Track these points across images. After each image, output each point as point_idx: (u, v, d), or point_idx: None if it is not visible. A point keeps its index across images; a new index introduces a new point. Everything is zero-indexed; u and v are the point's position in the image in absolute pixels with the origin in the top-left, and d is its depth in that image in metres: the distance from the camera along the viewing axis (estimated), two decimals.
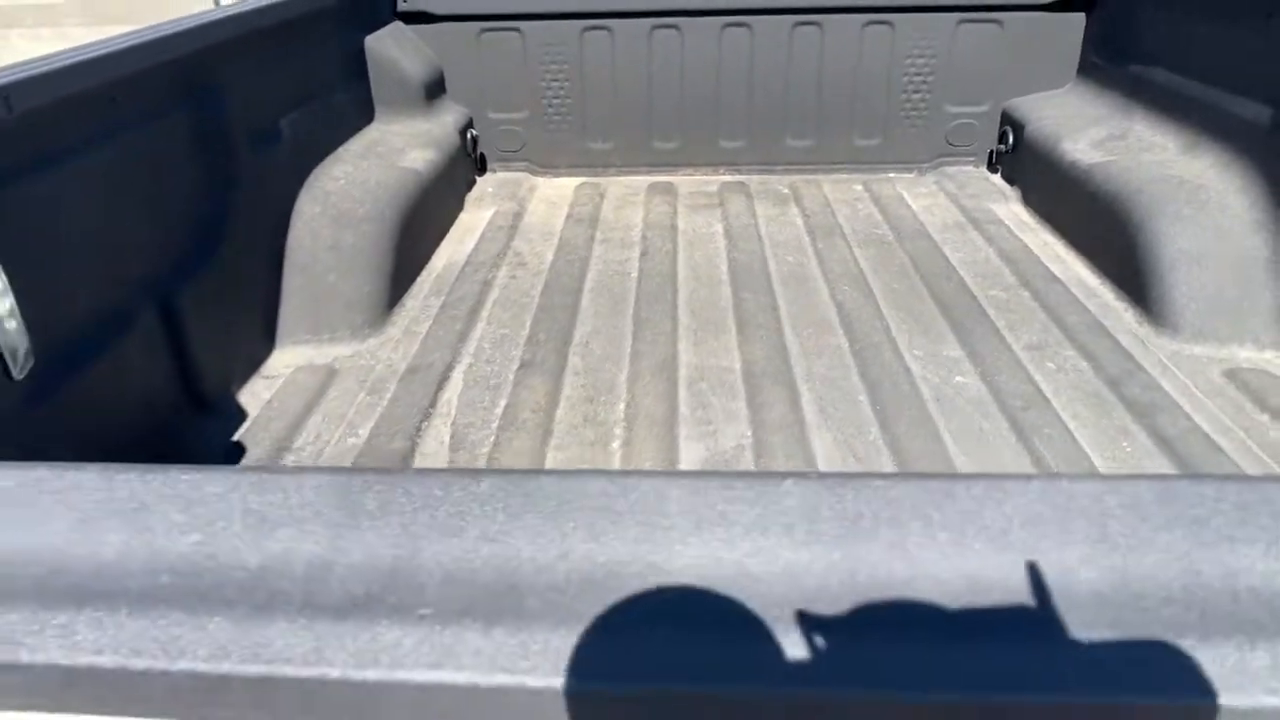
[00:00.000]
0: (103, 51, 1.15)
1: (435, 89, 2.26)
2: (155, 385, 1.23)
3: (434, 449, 1.29)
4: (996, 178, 2.29)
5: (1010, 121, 2.23)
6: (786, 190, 2.28)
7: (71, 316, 1.08)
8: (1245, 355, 1.43)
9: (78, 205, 1.10)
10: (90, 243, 1.13)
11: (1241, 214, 1.51)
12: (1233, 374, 1.38)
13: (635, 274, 1.83)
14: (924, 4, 2.17)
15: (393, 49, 2.15)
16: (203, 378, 1.32)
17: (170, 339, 1.25)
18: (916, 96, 2.29)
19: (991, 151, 2.33)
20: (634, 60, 2.29)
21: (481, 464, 1.24)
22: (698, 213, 2.16)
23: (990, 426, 1.28)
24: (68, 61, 1.09)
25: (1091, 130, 1.94)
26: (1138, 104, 1.91)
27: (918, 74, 2.26)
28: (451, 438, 1.31)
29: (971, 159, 2.35)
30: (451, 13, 2.27)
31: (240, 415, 1.35)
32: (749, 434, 1.29)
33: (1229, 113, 1.62)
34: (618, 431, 1.32)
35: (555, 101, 2.35)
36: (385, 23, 2.20)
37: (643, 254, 1.92)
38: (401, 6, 2.25)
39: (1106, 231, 1.70)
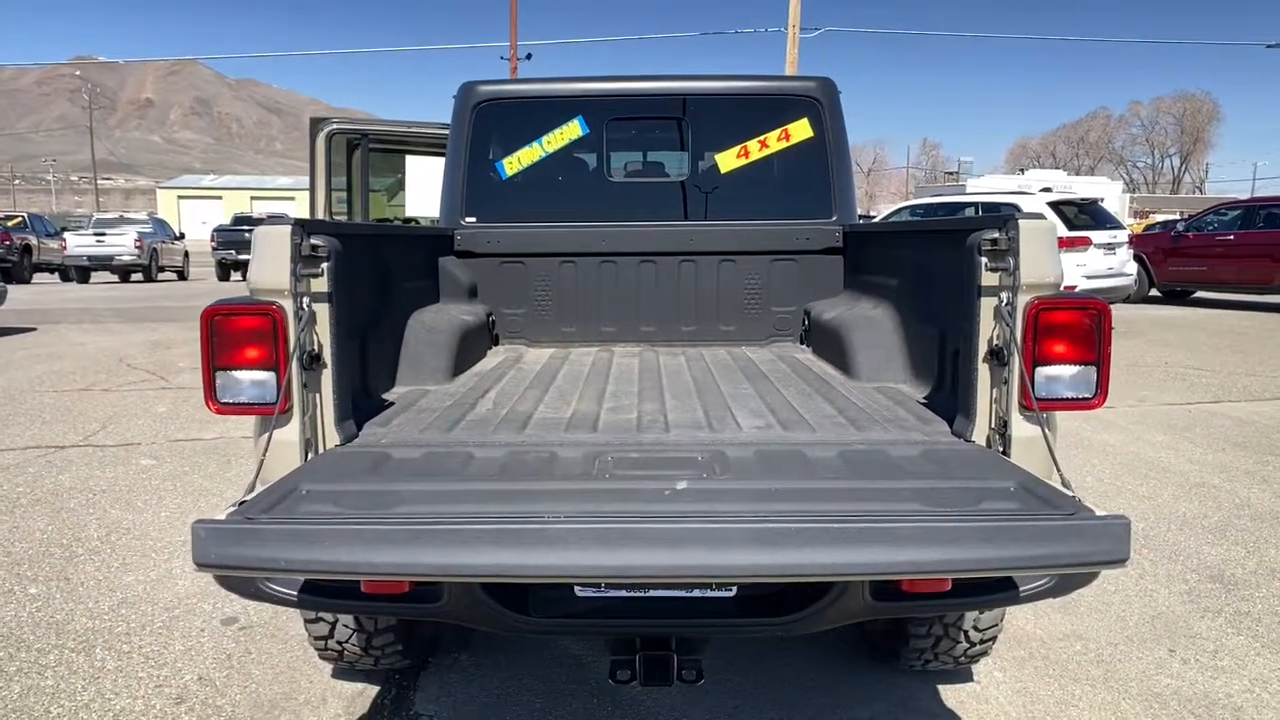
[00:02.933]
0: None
1: (473, 292, 3.83)
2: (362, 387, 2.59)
3: (484, 412, 2.63)
4: (802, 346, 3.85)
5: (807, 313, 3.83)
6: (679, 352, 3.80)
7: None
8: (885, 385, 2.87)
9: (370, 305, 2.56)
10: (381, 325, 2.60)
11: (890, 328, 3.03)
12: (880, 389, 2.81)
13: (587, 367, 3.27)
14: (752, 250, 3.87)
15: (452, 267, 3.75)
16: (370, 389, 2.67)
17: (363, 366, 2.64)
18: (754, 301, 3.91)
19: (800, 333, 3.92)
20: (589, 280, 3.91)
21: (508, 415, 2.56)
22: (625, 356, 3.65)
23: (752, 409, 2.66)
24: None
25: (839, 307, 3.53)
26: (861, 292, 3.53)
27: (754, 289, 3.90)
28: (493, 405, 2.66)
29: (790, 337, 3.93)
30: (483, 252, 3.91)
31: (385, 403, 2.69)
32: (635, 415, 2.65)
33: (887, 288, 3.21)
34: (576, 407, 2.68)
35: (541, 303, 3.93)
36: (449, 253, 3.84)
37: (592, 363, 3.38)
38: (457, 247, 3.90)
39: (835, 343, 3.21)
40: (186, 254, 27.14)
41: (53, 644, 3.33)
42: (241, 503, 1.64)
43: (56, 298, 19.32)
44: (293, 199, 70.83)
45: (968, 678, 3.08)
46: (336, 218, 4.95)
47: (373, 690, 3.05)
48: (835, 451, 2.01)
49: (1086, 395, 1.99)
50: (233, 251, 24.79)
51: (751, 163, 3.90)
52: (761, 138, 3.88)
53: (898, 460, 1.94)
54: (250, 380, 2.00)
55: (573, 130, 3.90)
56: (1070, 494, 1.59)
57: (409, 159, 4.92)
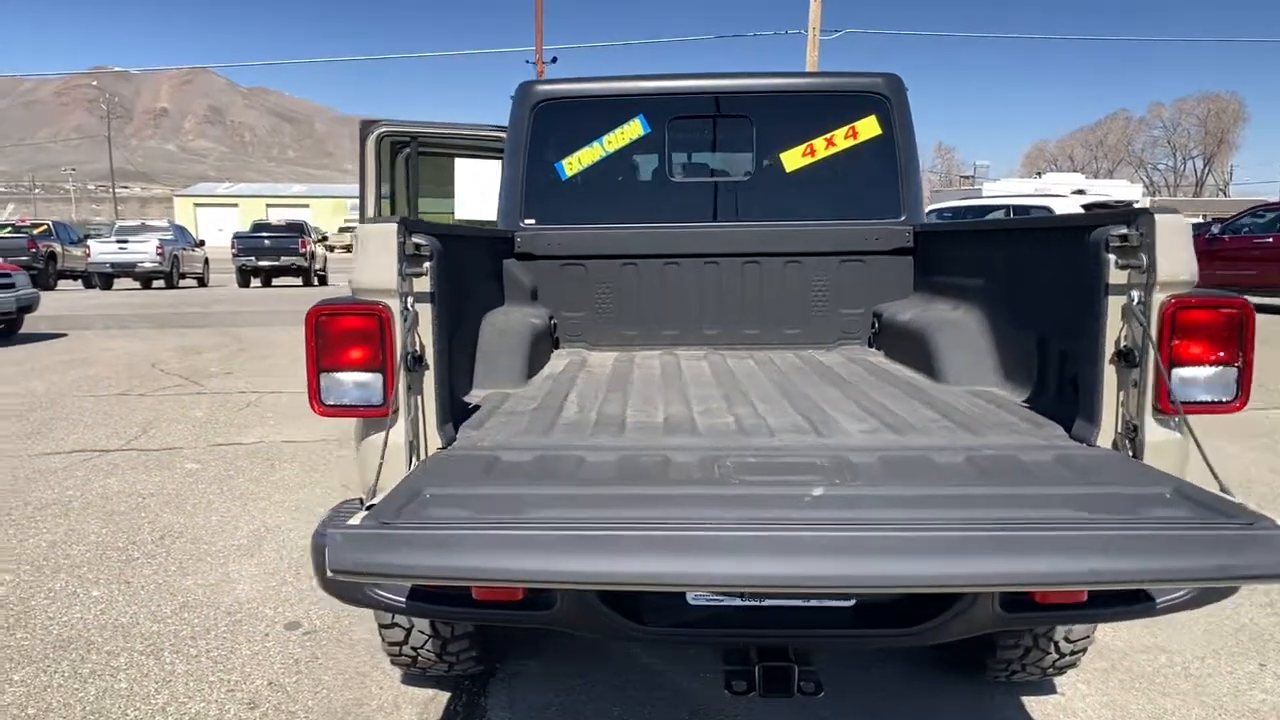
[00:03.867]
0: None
1: (534, 294, 3.79)
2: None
3: (573, 415, 2.58)
4: (872, 349, 3.78)
5: (878, 316, 3.77)
6: (746, 355, 3.75)
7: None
8: (977, 388, 2.80)
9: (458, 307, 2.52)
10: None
11: (976, 329, 2.97)
12: (974, 393, 2.75)
13: (658, 371, 3.23)
14: (819, 251, 3.81)
15: (514, 269, 3.71)
16: (455, 392, 2.63)
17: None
18: (821, 304, 3.86)
19: (869, 336, 3.85)
20: (651, 282, 3.87)
21: (600, 418, 2.51)
22: (691, 360, 3.61)
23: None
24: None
25: (914, 309, 3.47)
26: (935, 293, 3.47)
27: (820, 291, 3.85)
28: (579, 409, 2.61)
29: (858, 341, 3.87)
30: (543, 254, 3.88)
31: (470, 406, 2.65)
32: (731, 419, 2.59)
33: (970, 289, 3.15)
34: (667, 411, 2.63)
35: (602, 306, 3.89)
36: (511, 256, 3.80)
37: (661, 367, 3.33)
38: (517, 249, 3.86)
39: (915, 346, 3.15)
40: (206, 261, 27.30)
41: (121, 646, 3.30)
42: (369, 506, 1.60)
43: (82, 304, 19.47)
44: (307, 205, 71.33)
45: (1052, 690, 3.01)
46: None
47: (444, 696, 3.01)
48: (962, 457, 1.95)
49: (1226, 398, 1.92)
50: (253, 258, 24.90)
51: (817, 161, 3.85)
52: (828, 135, 3.83)
53: (1030, 466, 1.88)
54: (356, 382, 1.96)
55: (634, 130, 3.86)
56: (1239, 501, 1.52)
57: (458, 161, 4.90)
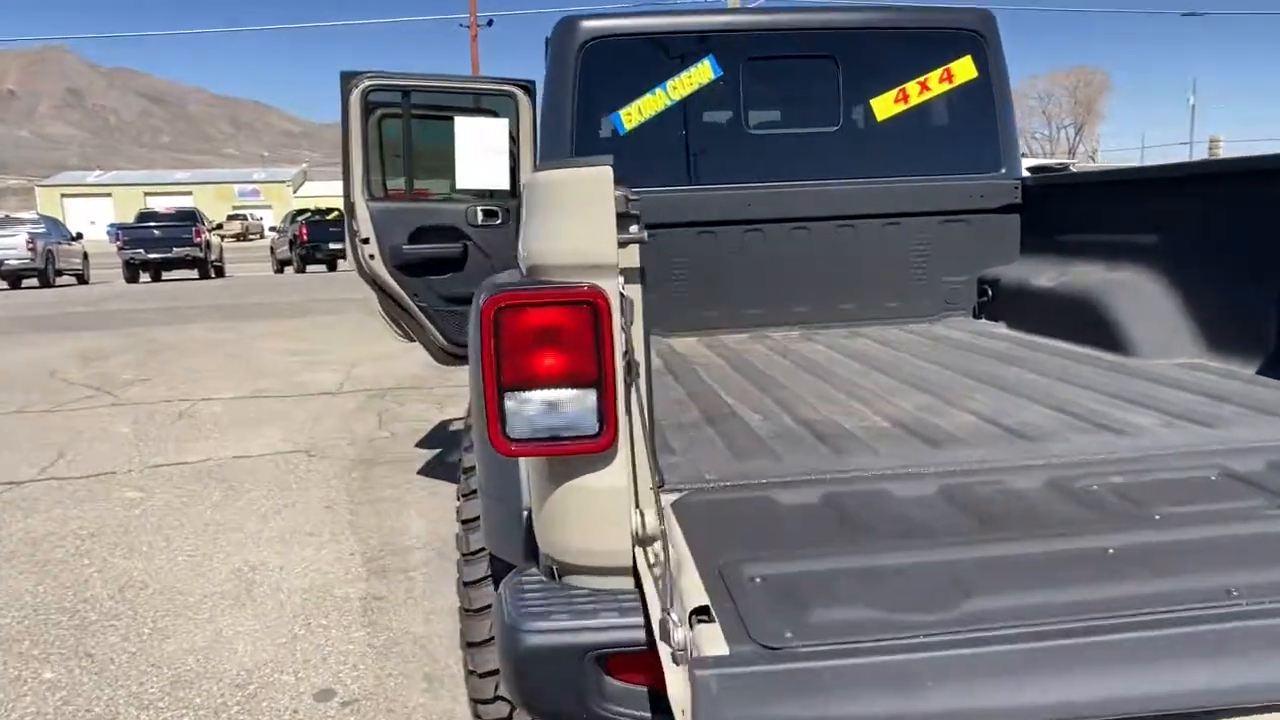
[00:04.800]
0: None
1: None
2: None
3: (759, 424, 2.00)
4: (982, 321, 3.32)
5: (994, 283, 3.30)
6: (851, 335, 3.23)
7: None
8: (1188, 361, 2.37)
9: None
10: None
11: (1157, 292, 2.53)
12: (1192, 365, 2.31)
13: (779, 357, 2.71)
14: (919, 210, 3.31)
15: None
16: None
17: None
18: (920, 271, 3.36)
19: (974, 306, 3.39)
20: (731, 254, 3.28)
21: (797, 426, 1.94)
22: (796, 343, 3.07)
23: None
24: None
25: (1048, 273, 3.02)
26: (1060, 255, 3.03)
27: (920, 257, 3.35)
28: (760, 417, 2.03)
29: (963, 311, 3.39)
30: None
31: None
32: (969, 419, 2.04)
33: (1130, 247, 2.71)
34: (876, 409, 2.08)
35: (677, 283, 3.28)
36: None
37: (772, 353, 2.81)
38: None
39: (1071, 315, 2.70)
40: (86, 256, 24.88)
41: None
42: (699, 611, 0.99)
43: None
44: (190, 193, 66.77)
45: None
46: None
47: None
48: None
49: None
50: (142, 251, 22.85)
51: (910, 109, 3.33)
52: (921, 79, 3.32)
53: None
54: (559, 402, 1.32)
55: (703, 73, 3.25)
56: None
57: (459, 120, 4.15)
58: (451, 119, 4.21)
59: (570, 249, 1.33)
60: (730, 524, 1.34)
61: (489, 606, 1.89)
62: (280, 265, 26.24)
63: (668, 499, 1.42)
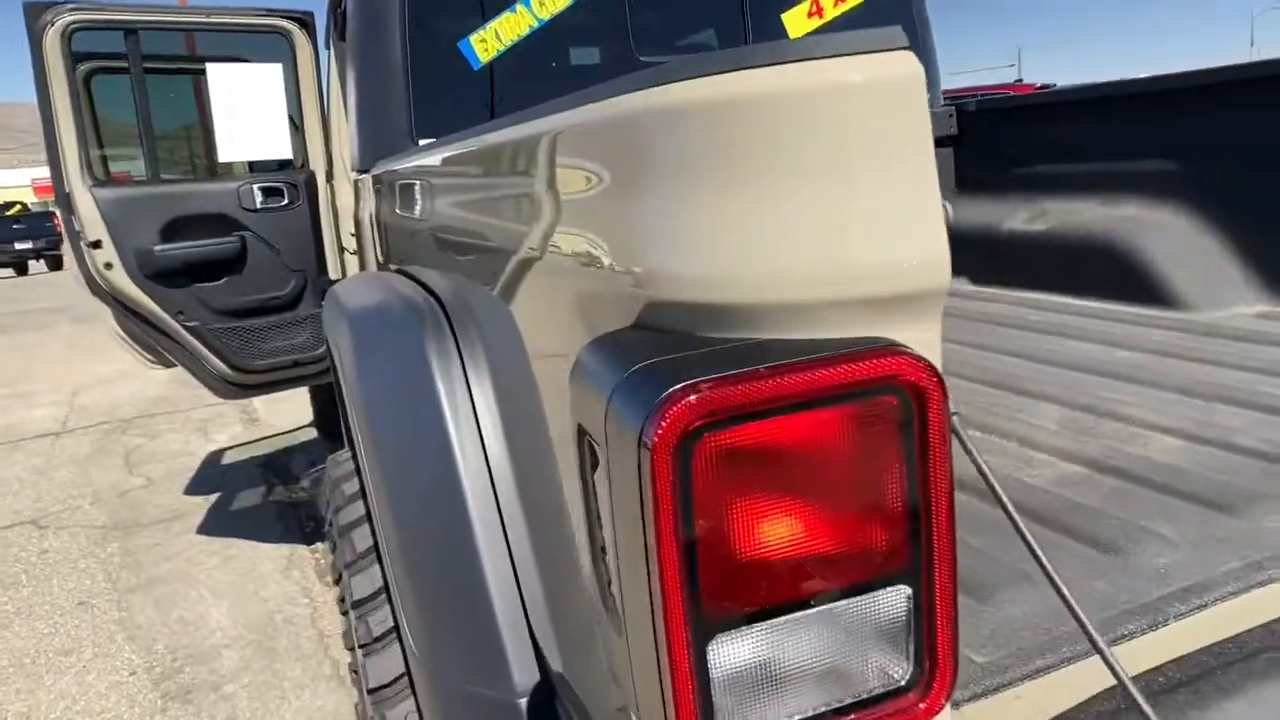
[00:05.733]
0: None
1: None
2: None
3: None
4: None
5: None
6: None
7: None
8: (1250, 310, 2.04)
9: None
10: None
11: (1189, 229, 2.18)
12: (1265, 315, 1.97)
13: None
14: None
15: None
16: None
17: None
18: None
19: None
20: None
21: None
22: None
23: None
24: None
25: (1017, 217, 2.62)
26: (1032, 193, 2.64)
27: None
28: None
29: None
30: None
31: None
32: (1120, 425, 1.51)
33: (1136, 176, 2.34)
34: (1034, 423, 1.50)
35: None
36: None
37: None
38: None
39: (1072, 267, 2.31)
40: None
41: None
42: None
43: None
44: None
45: None
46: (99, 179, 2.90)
47: None
48: None
49: None
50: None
51: (826, 24, 2.77)
52: None
53: None
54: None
55: None
56: None
57: (212, 69, 2.99)
58: (202, 69, 3.07)
59: (837, 259, 0.55)
60: None
61: None
62: None
63: None
